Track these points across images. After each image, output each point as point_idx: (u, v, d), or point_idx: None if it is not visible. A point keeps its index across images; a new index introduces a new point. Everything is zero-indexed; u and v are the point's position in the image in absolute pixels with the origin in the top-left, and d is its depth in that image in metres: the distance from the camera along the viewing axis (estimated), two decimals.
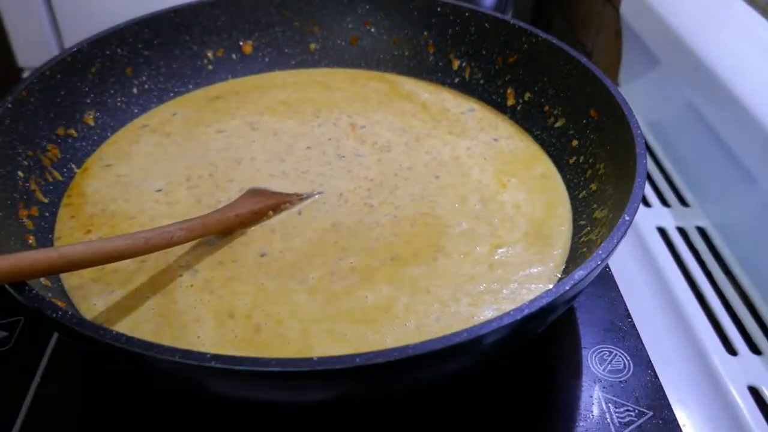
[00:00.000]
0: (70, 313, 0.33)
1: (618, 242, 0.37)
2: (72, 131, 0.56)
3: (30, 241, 0.46)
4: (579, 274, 0.35)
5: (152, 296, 0.45)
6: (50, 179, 0.53)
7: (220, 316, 0.43)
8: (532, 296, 0.42)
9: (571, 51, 0.55)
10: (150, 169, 0.56)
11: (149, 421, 0.44)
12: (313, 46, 0.70)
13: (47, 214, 0.51)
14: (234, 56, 0.68)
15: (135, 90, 0.62)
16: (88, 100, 0.58)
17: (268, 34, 0.69)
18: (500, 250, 0.48)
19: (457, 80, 0.66)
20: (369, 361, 0.31)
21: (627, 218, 0.39)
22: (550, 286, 0.42)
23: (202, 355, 0.31)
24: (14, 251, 0.39)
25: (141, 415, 0.44)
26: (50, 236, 0.50)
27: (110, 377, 0.45)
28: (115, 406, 0.44)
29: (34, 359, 0.47)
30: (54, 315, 0.33)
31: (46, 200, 0.51)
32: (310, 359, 0.31)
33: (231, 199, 0.52)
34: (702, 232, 0.66)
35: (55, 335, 0.49)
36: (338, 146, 0.59)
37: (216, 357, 0.31)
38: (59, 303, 0.39)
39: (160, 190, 0.54)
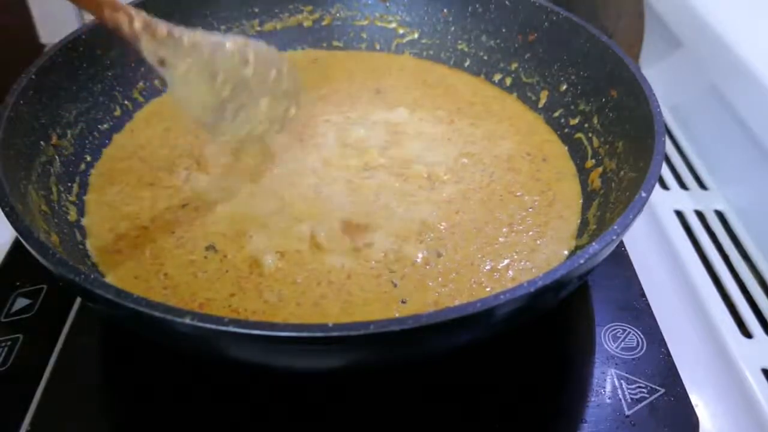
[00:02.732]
0: (93, 276, 0.34)
1: (634, 219, 0.37)
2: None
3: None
4: (593, 248, 0.35)
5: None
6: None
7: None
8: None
9: (591, 29, 0.55)
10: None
11: (167, 387, 0.45)
12: (327, 20, 0.70)
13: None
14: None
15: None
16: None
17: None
18: (511, 234, 0.48)
19: (475, 59, 0.66)
20: (383, 329, 0.31)
21: (644, 195, 0.39)
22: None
23: (219, 319, 0.32)
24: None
25: (158, 379, 0.45)
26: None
27: (131, 344, 0.46)
28: (136, 374, 0.46)
29: (57, 326, 0.48)
30: (77, 279, 0.34)
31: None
32: (325, 325, 0.31)
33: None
34: (720, 215, 0.65)
35: (77, 303, 0.50)
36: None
37: (233, 321, 0.32)
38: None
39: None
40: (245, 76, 0.45)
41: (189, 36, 0.43)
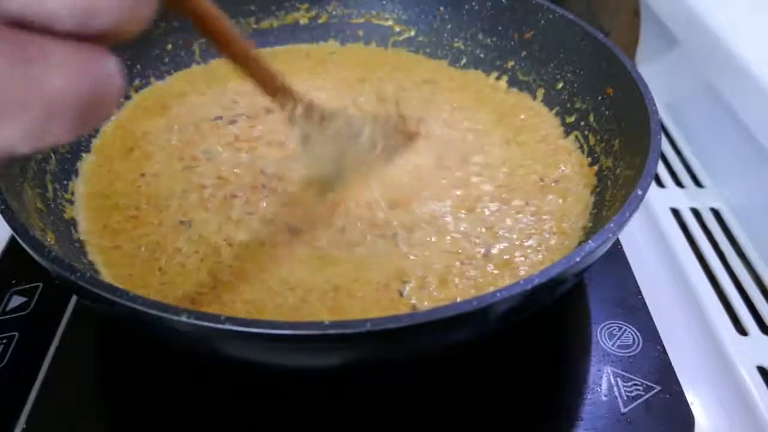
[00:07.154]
0: (89, 274, 0.34)
1: (630, 216, 0.37)
2: None
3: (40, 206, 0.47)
4: (590, 245, 0.35)
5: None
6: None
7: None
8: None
9: (587, 27, 0.55)
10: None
11: (163, 385, 0.45)
12: (324, 18, 0.69)
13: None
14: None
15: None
16: None
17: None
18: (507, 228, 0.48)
19: (471, 57, 0.66)
20: (379, 326, 0.31)
21: (639, 192, 0.39)
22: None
23: (216, 317, 0.32)
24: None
25: (155, 377, 0.45)
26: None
27: (127, 343, 0.46)
28: (132, 373, 0.45)
29: (53, 325, 0.48)
30: (73, 277, 0.34)
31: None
32: (321, 323, 0.31)
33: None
34: (716, 213, 0.65)
35: (73, 301, 0.50)
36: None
37: (230, 319, 0.32)
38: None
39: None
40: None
41: (332, 118, 0.45)
